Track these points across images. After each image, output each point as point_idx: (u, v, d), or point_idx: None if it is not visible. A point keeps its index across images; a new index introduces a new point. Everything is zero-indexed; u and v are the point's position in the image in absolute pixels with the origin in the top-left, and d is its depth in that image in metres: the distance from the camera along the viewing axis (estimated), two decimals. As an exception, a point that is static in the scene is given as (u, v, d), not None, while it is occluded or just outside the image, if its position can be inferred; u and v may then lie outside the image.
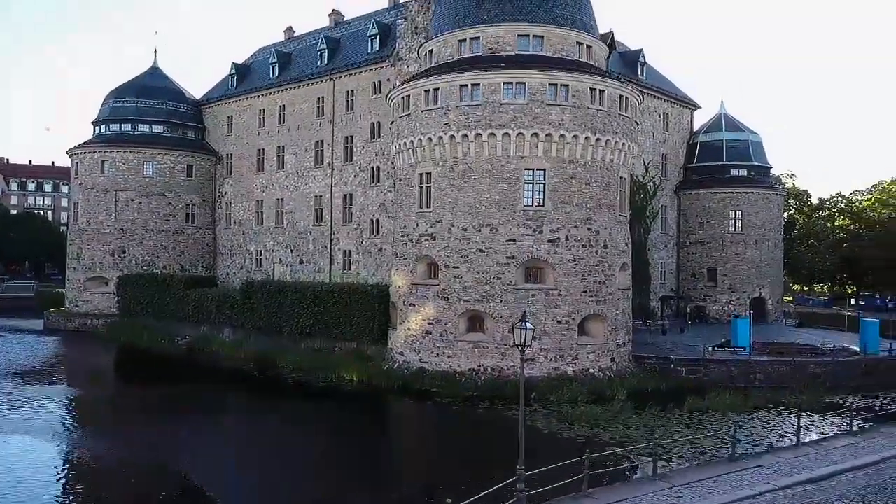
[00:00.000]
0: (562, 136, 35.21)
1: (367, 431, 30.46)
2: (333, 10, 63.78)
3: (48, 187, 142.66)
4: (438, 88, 36.32)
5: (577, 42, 37.55)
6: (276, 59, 62.42)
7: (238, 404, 35.34)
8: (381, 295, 41.23)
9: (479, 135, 35.38)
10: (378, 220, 53.08)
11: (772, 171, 68.27)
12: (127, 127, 64.38)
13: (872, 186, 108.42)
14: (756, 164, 62.23)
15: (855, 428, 23.39)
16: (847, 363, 38.34)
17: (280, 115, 61.07)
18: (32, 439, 27.19)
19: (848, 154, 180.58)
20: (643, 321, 50.08)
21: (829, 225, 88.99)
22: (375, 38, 54.18)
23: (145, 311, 57.72)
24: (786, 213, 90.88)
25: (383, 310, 40.81)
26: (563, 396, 32.52)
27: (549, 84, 35.10)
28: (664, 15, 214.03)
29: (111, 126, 64.73)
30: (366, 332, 41.58)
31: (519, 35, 36.63)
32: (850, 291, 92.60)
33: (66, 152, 65.47)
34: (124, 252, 62.41)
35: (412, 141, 37.63)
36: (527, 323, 17.67)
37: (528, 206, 35.36)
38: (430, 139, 36.67)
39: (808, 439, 21.81)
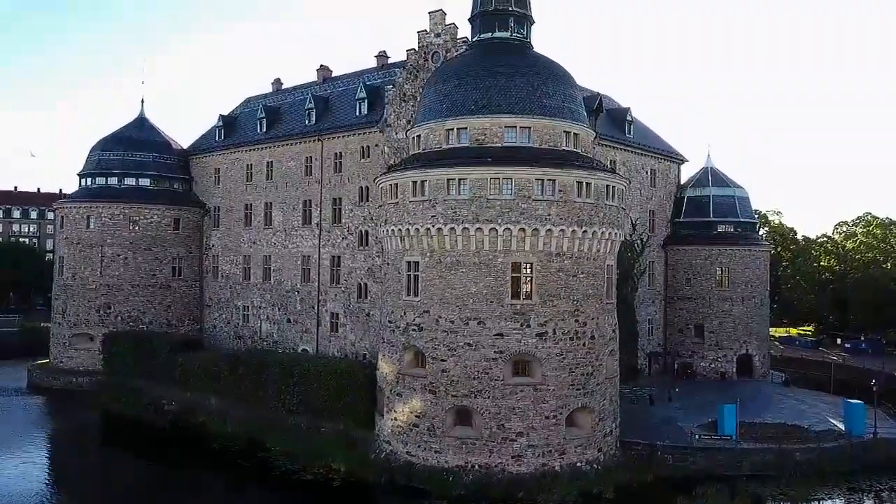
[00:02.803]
0: (549, 230, 35.28)
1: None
2: (321, 65, 63.83)
3: (33, 214, 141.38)
4: (426, 181, 36.31)
5: (565, 131, 37.62)
6: (263, 115, 62.26)
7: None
8: (368, 378, 41.06)
9: (466, 228, 35.38)
10: (366, 285, 52.99)
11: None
12: (113, 180, 64.10)
13: (858, 218, 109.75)
14: (742, 220, 62.66)
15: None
16: (833, 450, 38.54)
17: (268, 171, 60.92)
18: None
19: (834, 184, 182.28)
20: (630, 389, 50.13)
21: (815, 265, 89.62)
22: (364, 101, 54.17)
23: (131, 372, 57.16)
24: (773, 250, 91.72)
25: (371, 394, 40.64)
26: (551, 498, 32.60)
27: (536, 179, 35.18)
28: (652, 66, 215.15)
29: (97, 179, 64.41)
30: (353, 415, 41.38)
31: (506, 126, 36.68)
32: (835, 325, 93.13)
33: (52, 206, 65.08)
34: (110, 308, 61.98)
35: (400, 229, 37.60)
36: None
37: (515, 299, 35.37)
38: (417, 229, 36.65)
39: None
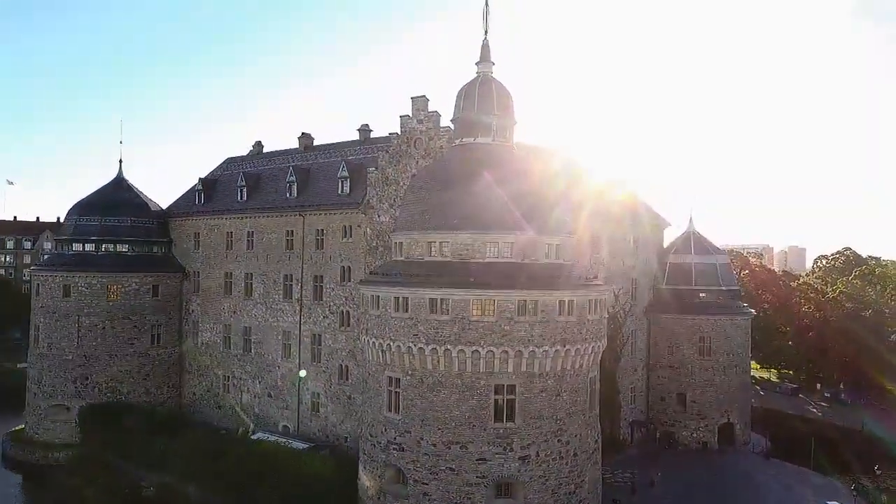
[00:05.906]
0: (531, 351, 35.06)
1: None
2: (303, 132, 63.11)
3: (10, 244, 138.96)
4: (409, 298, 35.96)
5: (547, 244, 37.45)
6: (244, 182, 61.50)
7: None
8: (351, 481, 40.59)
9: (448, 350, 35.08)
10: (347, 367, 52.50)
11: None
12: (90, 247, 62.97)
13: (838, 253, 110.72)
14: (723, 287, 62.80)
15: None
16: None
17: (248, 240, 60.13)
18: None
19: (820, 213, 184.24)
20: (612, 471, 49.96)
21: (796, 312, 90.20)
22: (346, 179, 53.64)
23: (109, 449, 56.23)
24: (757, 293, 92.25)
25: (353, 498, 40.18)
26: None
27: (519, 300, 34.94)
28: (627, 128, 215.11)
29: (74, 245, 63.23)
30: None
31: (488, 242, 36.42)
32: (816, 372, 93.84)
33: (29, 273, 63.93)
34: (87, 379, 60.86)
35: (381, 343, 37.21)
36: None
37: (498, 422, 35.08)
38: (399, 346, 36.29)
39: None
